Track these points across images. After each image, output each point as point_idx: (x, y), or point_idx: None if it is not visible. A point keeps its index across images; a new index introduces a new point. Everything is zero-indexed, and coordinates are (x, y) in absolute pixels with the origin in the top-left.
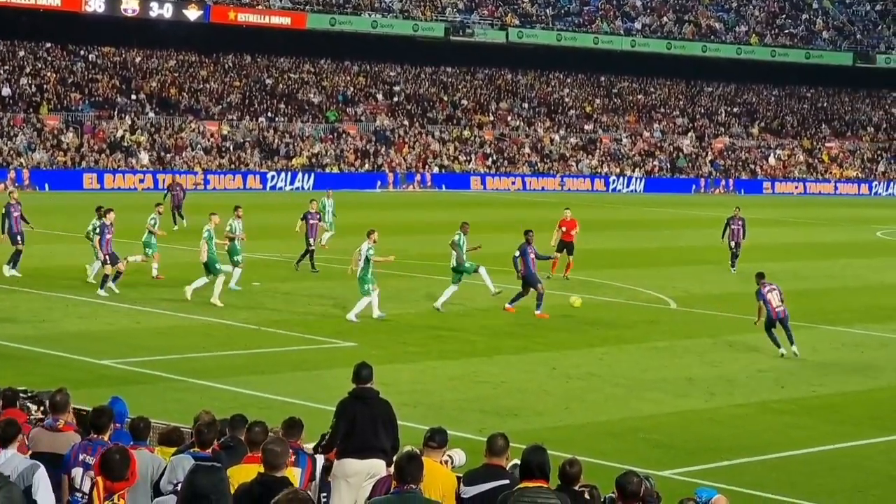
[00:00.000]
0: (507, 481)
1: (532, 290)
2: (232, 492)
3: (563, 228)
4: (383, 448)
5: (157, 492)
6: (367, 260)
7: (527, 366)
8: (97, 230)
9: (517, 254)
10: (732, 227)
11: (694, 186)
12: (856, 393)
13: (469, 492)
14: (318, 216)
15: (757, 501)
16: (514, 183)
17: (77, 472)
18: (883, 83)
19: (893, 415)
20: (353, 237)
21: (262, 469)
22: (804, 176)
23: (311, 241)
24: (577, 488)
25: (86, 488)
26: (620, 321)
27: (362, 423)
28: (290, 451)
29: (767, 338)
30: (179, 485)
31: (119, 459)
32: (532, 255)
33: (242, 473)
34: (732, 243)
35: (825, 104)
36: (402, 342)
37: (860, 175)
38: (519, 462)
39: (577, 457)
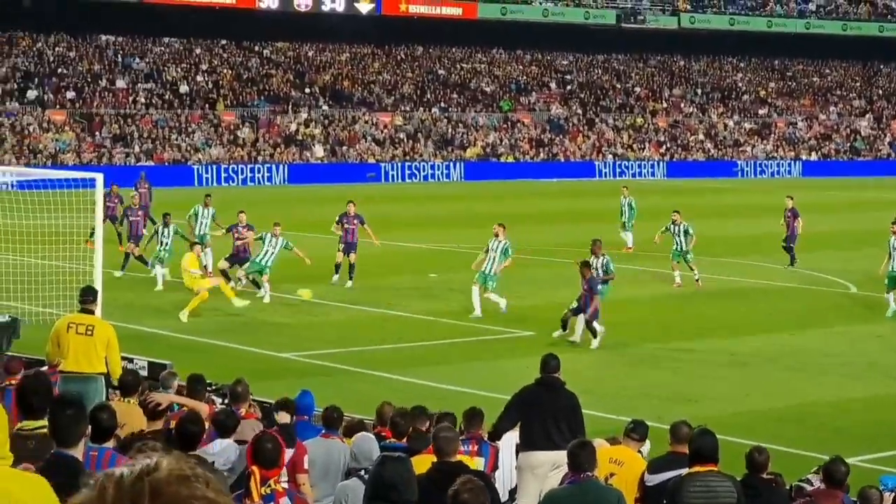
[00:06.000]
0: None
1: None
2: None
3: None
4: (568, 439)
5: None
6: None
7: (701, 355)
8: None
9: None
10: None
11: None
12: None
13: (653, 480)
14: None
15: None
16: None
17: None
18: None
19: None
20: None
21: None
22: None
23: None
24: (764, 475)
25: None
26: (799, 307)
27: (547, 413)
28: (472, 440)
29: None
30: (363, 472)
31: (271, 448)
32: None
33: (421, 464)
34: None
35: None
36: None
37: None
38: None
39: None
